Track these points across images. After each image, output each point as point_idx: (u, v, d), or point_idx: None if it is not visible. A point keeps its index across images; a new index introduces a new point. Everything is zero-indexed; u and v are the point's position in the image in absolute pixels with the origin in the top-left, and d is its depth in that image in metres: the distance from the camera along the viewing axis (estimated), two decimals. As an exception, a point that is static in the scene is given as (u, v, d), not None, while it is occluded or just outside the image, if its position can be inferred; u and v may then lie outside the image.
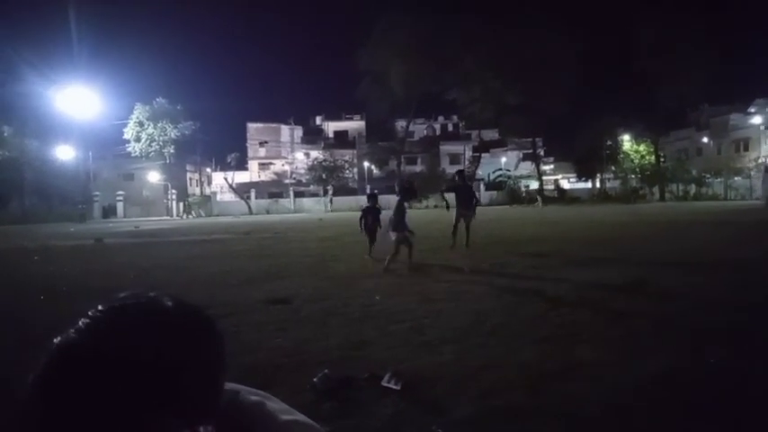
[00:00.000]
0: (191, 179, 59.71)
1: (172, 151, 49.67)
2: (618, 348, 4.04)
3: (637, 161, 49.52)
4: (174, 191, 51.20)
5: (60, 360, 0.61)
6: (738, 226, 14.73)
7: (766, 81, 38.88)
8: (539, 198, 41.51)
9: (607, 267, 7.73)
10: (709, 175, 43.21)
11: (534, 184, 51.94)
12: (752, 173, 40.62)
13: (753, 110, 47.74)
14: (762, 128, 43.88)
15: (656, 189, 45.99)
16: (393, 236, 8.40)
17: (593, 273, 7.44)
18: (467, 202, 11.50)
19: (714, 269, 7.56)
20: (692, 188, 43.49)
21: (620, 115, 48.40)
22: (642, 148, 50.12)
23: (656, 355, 3.85)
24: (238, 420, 0.75)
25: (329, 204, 47.30)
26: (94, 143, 48.48)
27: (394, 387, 3.25)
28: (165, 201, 51.58)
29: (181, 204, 49.18)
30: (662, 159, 48.46)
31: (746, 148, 47.96)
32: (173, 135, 48.85)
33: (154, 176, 52.23)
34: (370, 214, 10.53)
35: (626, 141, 52.09)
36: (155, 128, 48.34)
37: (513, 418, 2.87)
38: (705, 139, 53.69)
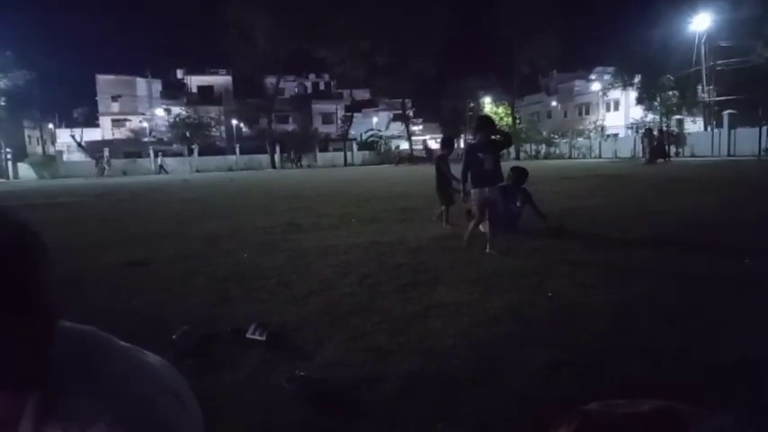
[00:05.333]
0: (29, 137, 52.71)
1: (2, 104, 43.21)
2: (473, 289, 4.36)
3: (496, 123, 52.96)
4: (8, 150, 44.88)
5: None
6: (583, 180, 16.50)
7: (605, 50, 43.07)
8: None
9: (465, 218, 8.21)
10: (557, 136, 47.56)
11: (405, 145, 53.52)
12: (591, 134, 45.45)
13: (593, 77, 53.09)
14: (600, 94, 49.04)
15: (512, 149, 49.77)
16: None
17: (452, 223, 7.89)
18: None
19: (563, 216, 8.40)
20: (543, 148, 47.66)
21: (481, 79, 51.26)
22: (501, 110, 53.73)
23: (507, 293, 4.22)
24: (77, 345, 0.78)
25: (161, 168, 43.83)
26: None
27: (259, 338, 3.22)
28: (-2, 161, 45.08)
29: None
30: (517, 121, 52.36)
31: (587, 112, 53.51)
32: (2, 85, 42.42)
33: (-18, 133, 45.22)
34: (446, 166, 8.11)
35: (487, 104, 55.48)
36: (-23, 77, 41.60)
37: (375, 357, 2.99)
38: (554, 104, 58.93)
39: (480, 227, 7.05)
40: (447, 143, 9.21)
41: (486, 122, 6.15)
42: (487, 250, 5.72)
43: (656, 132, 28.31)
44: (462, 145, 56.05)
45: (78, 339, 0.81)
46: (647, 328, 3.39)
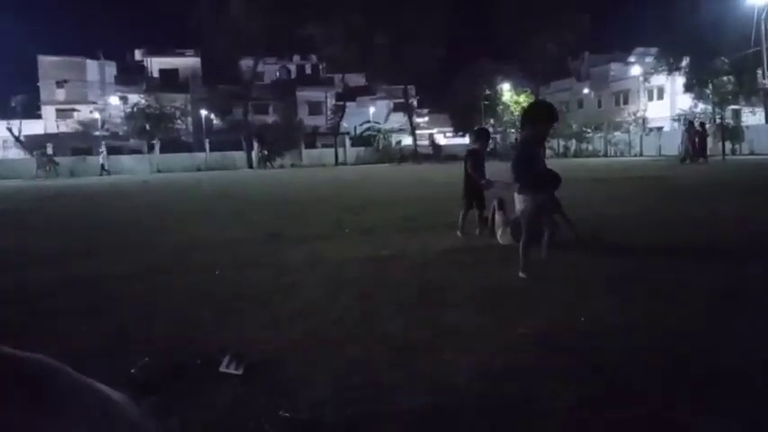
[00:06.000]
0: (-43, 130, 52.88)
1: None
2: (492, 312, 4.37)
3: (517, 113, 53.30)
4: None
5: None
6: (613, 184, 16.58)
7: (646, 27, 43.08)
8: None
9: (475, 228, 8.20)
10: (589, 130, 47.77)
11: (407, 140, 53.74)
12: (631, 127, 45.67)
13: (632, 59, 53.45)
14: (641, 79, 49.33)
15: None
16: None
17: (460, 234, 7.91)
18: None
19: (596, 224, 8.44)
20: (573, 144, 47.85)
21: (499, 62, 51.61)
22: (522, 99, 53.97)
23: (532, 316, 4.23)
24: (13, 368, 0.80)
25: (103, 168, 43.12)
26: None
27: (234, 372, 3.22)
28: None
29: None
30: (543, 112, 52.62)
31: (626, 101, 53.81)
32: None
33: None
34: (477, 163, 7.88)
35: (506, 91, 55.73)
36: None
37: (374, 394, 2.99)
38: (586, 91, 59.25)
39: (499, 238, 7.10)
40: (481, 136, 8.48)
41: (551, 112, 5.55)
42: (521, 272, 5.31)
43: (697, 126, 28.51)
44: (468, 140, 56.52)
45: (16, 363, 0.82)
46: (704, 355, 3.40)
